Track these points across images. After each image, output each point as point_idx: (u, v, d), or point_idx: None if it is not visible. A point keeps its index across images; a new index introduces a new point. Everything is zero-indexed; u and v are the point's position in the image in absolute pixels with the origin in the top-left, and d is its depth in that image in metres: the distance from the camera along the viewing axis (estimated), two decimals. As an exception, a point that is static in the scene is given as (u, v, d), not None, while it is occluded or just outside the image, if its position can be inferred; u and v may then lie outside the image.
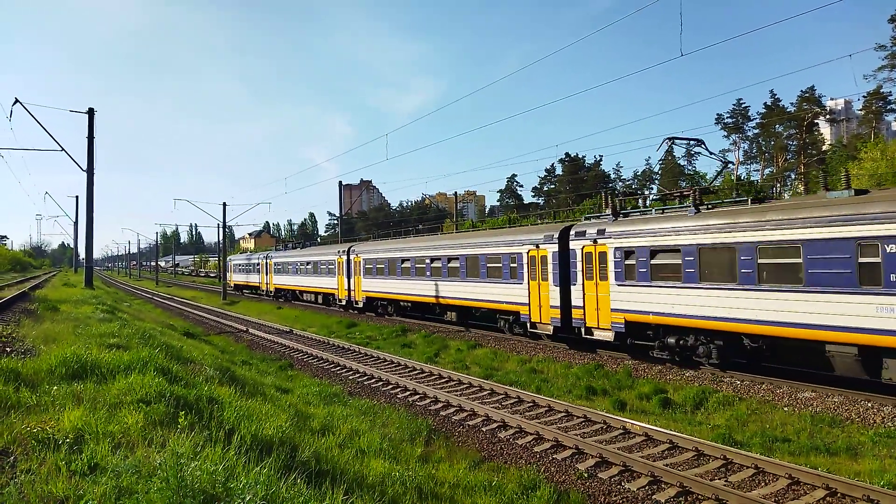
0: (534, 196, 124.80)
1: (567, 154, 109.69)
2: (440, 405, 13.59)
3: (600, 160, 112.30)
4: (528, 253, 21.01)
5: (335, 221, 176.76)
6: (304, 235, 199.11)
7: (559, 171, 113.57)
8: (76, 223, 64.59)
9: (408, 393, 14.90)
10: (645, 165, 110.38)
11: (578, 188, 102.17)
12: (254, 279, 55.94)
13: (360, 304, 34.43)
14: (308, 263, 42.72)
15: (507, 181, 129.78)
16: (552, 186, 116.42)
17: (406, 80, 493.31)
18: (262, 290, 53.19)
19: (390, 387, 15.70)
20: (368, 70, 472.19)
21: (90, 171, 31.48)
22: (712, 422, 12.12)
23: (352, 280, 35.69)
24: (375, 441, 9.93)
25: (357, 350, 21.66)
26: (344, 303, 36.61)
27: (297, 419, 11.73)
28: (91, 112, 32.04)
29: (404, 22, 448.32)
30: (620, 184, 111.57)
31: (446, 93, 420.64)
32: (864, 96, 71.40)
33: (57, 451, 5.07)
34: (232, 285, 61.89)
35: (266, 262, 52.26)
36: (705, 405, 13.16)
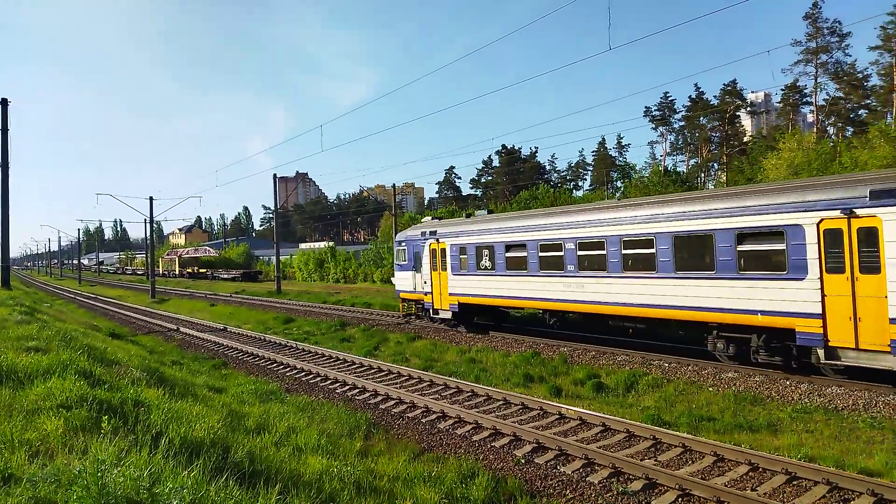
0: (472, 188, 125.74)
1: (504, 146, 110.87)
2: (380, 398, 13.54)
3: (536, 152, 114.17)
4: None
5: (270, 215, 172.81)
6: (238, 231, 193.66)
7: (496, 163, 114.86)
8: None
9: (347, 387, 14.78)
10: (579, 157, 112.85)
11: (515, 180, 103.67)
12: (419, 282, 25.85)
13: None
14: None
15: (446, 173, 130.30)
16: (490, 178, 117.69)
17: (347, 70, 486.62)
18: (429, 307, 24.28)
19: (329, 382, 15.52)
20: (308, 59, 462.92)
21: (5, 165, 29.56)
22: (642, 403, 12.59)
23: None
24: (313, 438, 9.79)
25: (295, 346, 21.30)
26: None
27: (230, 419, 11.40)
28: (4, 102, 30.04)
29: (345, 11, 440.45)
30: (556, 174, 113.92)
31: (387, 84, 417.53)
32: (782, 89, 75.48)
33: (-36, 463, 4.75)
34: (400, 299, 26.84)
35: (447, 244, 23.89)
36: (636, 388, 13.66)
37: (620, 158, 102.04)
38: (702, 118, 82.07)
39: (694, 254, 14.35)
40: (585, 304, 17.24)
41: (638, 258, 15.71)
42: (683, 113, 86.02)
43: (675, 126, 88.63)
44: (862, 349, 11.39)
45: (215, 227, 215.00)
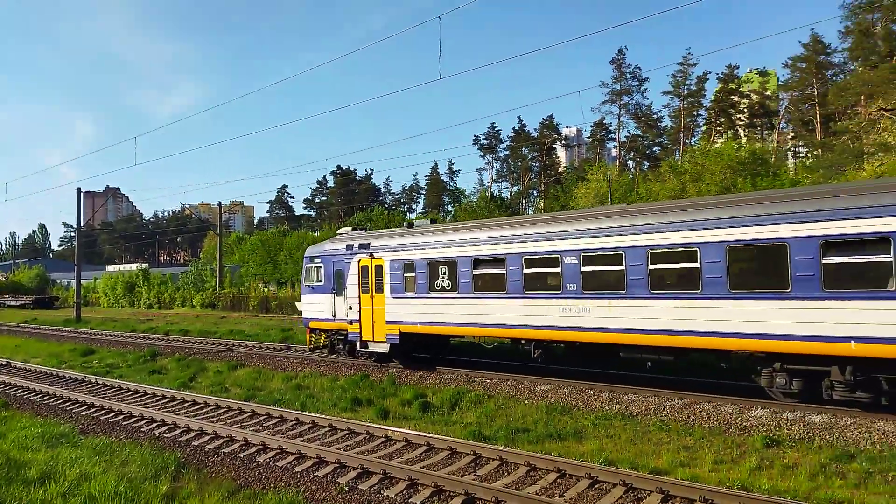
0: (305, 208, 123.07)
1: (339, 167, 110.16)
2: (193, 434, 12.47)
3: (371, 174, 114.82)
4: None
5: (72, 234, 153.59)
6: (33, 251, 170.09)
7: (332, 183, 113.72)
8: None
9: (155, 424, 13.42)
10: (413, 181, 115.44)
11: (350, 201, 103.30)
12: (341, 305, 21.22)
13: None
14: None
15: (279, 192, 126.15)
16: (324, 198, 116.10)
17: (168, 80, 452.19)
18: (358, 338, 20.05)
19: (134, 419, 13.99)
20: (122, 66, 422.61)
21: None
22: (466, 420, 12.98)
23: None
24: (110, 484, 8.76)
25: (94, 381, 18.98)
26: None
27: (6, 469, 9.89)
28: None
29: (167, 16, 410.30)
30: (390, 197, 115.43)
31: (214, 98, 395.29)
32: (591, 126, 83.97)
33: None
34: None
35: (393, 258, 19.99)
36: (460, 405, 14.06)
37: (451, 183, 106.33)
38: (524, 148, 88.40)
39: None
40: (590, 333, 13.87)
41: (670, 275, 12.89)
42: (508, 143, 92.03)
43: (501, 154, 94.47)
44: None
45: (3, 248, 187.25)
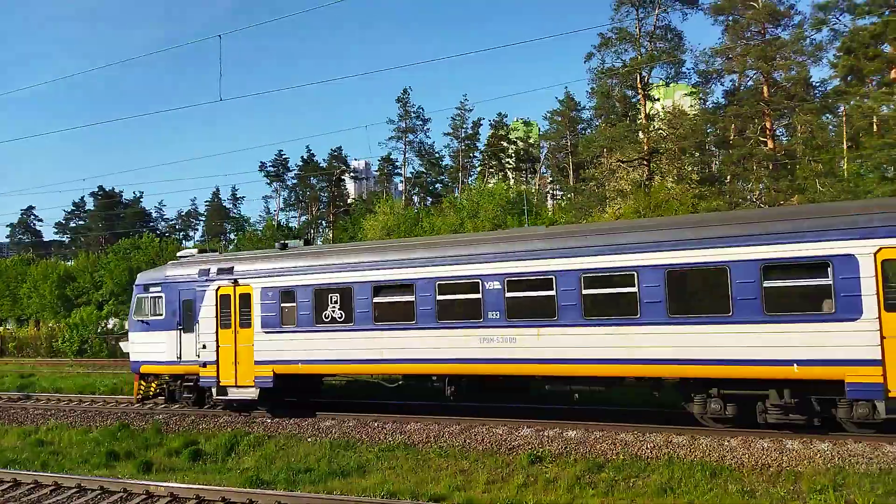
0: (57, 233, 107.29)
1: (101, 188, 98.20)
2: None
3: (140, 197, 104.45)
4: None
5: None
6: None
7: (91, 206, 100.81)
8: None
9: None
10: (191, 206, 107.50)
11: (114, 226, 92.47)
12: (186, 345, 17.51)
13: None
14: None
15: (23, 214, 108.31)
16: (82, 223, 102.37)
17: None
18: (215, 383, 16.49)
19: None
20: None
21: None
22: (243, 465, 12.18)
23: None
24: None
25: None
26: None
27: None
28: None
29: None
30: (164, 223, 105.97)
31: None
32: (379, 160, 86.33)
33: None
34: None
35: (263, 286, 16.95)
36: (237, 449, 13.17)
37: (235, 210, 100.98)
38: (312, 178, 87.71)
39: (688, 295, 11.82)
40: (517, 365, 12.89)
41: (605, 300, 12.30)
42: (296, 171, 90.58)
43: (289, 183, 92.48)
44: None
45: None
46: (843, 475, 9.66)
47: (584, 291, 12.31)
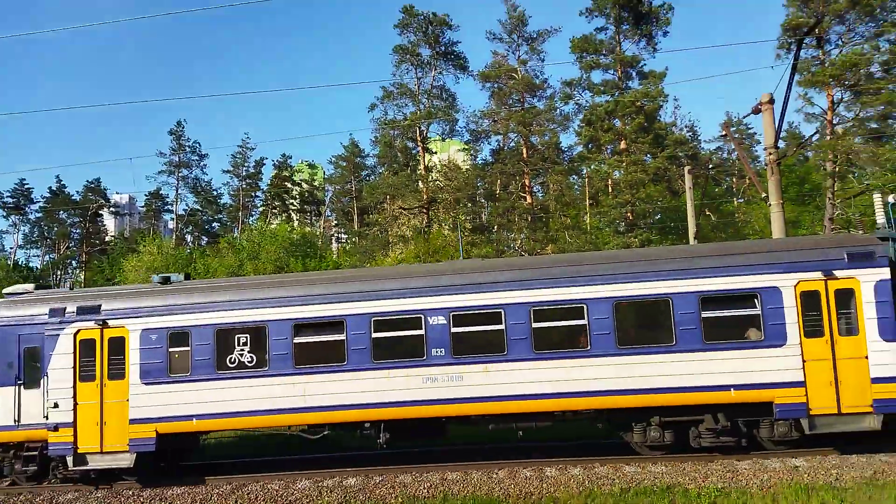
0: None
1: None
2: None
3: None
4: None
5: None
6: None
7: None
8: None
9: None
10: None
11: None
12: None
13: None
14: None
15: None
16: None
17: None
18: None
19: None
20: None
21: None
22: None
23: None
24: None
25: None
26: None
27: None
28: None
29: None
30: None
31: None
32: (146, 195, 78.88)
33: None
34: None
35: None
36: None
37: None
38: (62, 212, 77.05)
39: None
40: (463, 404, 12.26)
41: (560, 333, 12.35)
42: (42, 204, 78.85)
43: (32, 217, 79.96)
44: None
45: None
46: (593, 496, 10.84)
47: (535, 325, 12.29)
